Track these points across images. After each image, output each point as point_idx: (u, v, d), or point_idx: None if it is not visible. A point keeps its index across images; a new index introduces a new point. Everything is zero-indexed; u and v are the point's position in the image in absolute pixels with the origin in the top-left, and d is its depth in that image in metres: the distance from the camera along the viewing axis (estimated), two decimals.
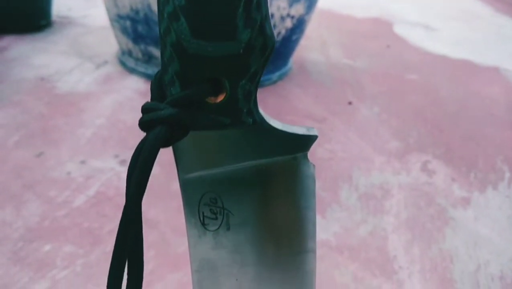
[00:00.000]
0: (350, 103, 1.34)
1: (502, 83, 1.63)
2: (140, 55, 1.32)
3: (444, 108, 1.36)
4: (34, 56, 1.44)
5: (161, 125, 0.20)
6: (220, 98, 0.22)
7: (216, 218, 0.25)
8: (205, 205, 0.25)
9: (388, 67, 1.65)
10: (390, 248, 0.82)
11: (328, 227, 0.85)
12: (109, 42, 1.57)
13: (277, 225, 0.26)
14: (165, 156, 1.05)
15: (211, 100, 0.22)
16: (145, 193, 0.81)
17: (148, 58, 1.30)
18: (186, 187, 0.25)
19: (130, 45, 1.32)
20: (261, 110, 0.23)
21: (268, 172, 0.24)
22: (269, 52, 0.21)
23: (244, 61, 0.20)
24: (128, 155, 0.99)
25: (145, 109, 0.21)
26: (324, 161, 1.04)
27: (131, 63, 1.36)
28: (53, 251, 0.75)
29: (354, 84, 1.48)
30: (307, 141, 0.24)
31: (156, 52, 1.28)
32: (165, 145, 0.21)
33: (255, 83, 0.21)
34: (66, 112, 1.14)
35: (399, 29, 2.11)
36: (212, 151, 0.24)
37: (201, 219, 0.26)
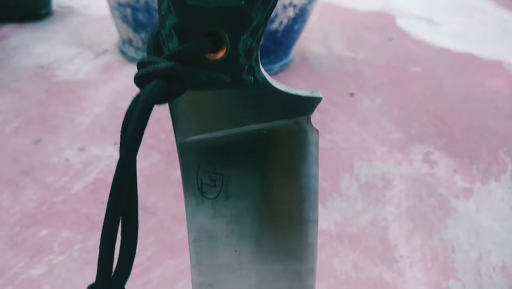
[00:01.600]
0: (352, 94, 1.32)
1: (505, 76, 1.61)
2: (140, 44, 1.30)
3: (447, 100, 1.35)
4: (34, 44, 1.43)
5: (157, 79, 0.19)
6: (220, 54, 0.20)
7: (215, 186, 0.24)
8: (204, 171, 0.24)
9: (391, 59, 1.64)
10: (391, 237, 0.81)
11: (329, 216, 0.84)
12: (109, 32, 1.55)
13: (278, 194, 0.25)
14: (165, 144, 1.04)
15: (211, 56, 0.21)
16: (144, 181, 0.81)
17: None
18: (184, 152, 0.24)
19: (131, 33, 1.31)
20: (263, 70, 0.22)
21: (269, 137, 0.23)
22: (272, 5, 0.20)
23: (246, 13, 0.19)
24: None
25: (140, 63, 0.20)
26: (325, 151, 1.03)
27: (131, 52, 1.34)
28: (50, 236, 0.74)
29: (356, 76, 1.46)
30: (310, 103, 0.23)
31: None
32: (161, 101, 0.20)
33: (257, 38, 0.20)
34: (65, 100, 1.13)
35: (401, 23, 2.09)
36: (211, 114, 0.23)
37: (199, 186, 0.25)
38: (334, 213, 0.85)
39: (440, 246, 0.80)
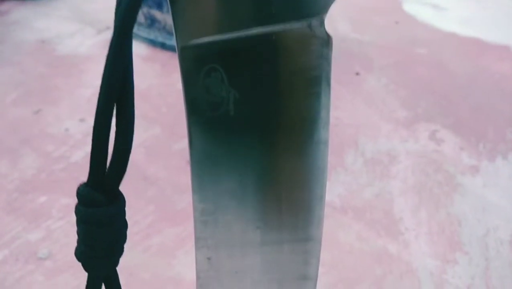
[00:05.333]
0: (357, 74, 1.30)
1: None
2: (142, 19, 1.28)
3: (453, 81, 1.33)
4: (35, 20, 1.41)
5: None
6: None
7: (219, 99, 0.22)
8: (207, 82, 0.22)
9: (397, 42, 1.61)
10: (396, 210, 0.79)
11: (333, 188, 0.82)
12: (111, 8, 1.53)
13: (285, 110, 0.23)
14: (166, 118, 1.02)
15: None
16: (145, 152, 0.79)
17: (150, 22, 1.27)
18: (185, 58, 0.22)
19: None
20: None
21: (278, 43, 0.21)
22: None
23: None
24: None
25: None
26: None
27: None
28: (49, 202, 0.72)
29: (362, 57, 1.44)
30: (323, 1, 0.21)
31: (159, 15, 1.24)
32: None
33: None
34: (66, 73, 1.11)
35: (408, 7, 2.06)
36: (216, 14, 0.21)
37: (202, 100, 0.23)
38: (338, 186, 0.83)
39: (446, 220, 0.78)
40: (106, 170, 0.19)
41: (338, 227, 0.74)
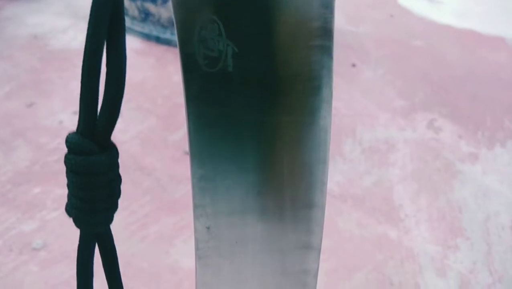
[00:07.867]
0: (353, 65, 1.30)
1: (509, 51, 1.59)
2: (136, 13, 1.27)
3: (450, 72, 1.32)
4: (27, 16, 1.39)
5: None
6: None
7: (217, 54, 0.21)
8: (203, 37, 0.21)
9: (393, 34, 1.61)
10: (396, 197, 0.78)
11: (331, 177, 0.81)
12: None
13: (287, 65, 0.22)
14: (162, 109, 1.00)
15: None
16: (141, 143, 0.77)
17: (144, 16, 1.25)
18: (180, 8, 0.21)
19: (126, 2, 1.27)
20: None
21: None
22: None
23: None
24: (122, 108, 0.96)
25: None
26: None
27: (127, 22, 1.31)
28: (43, 193, 0.71)
29: (358, 48, 1.43)
30: None
31: (153, 9, 1.23)
32: None
33: None
34: (59, 67, 1.10)
35: (403, 1, 2.06)
36: None
37: (199, 55, 0.22)
38: (336, 175, 0.82)
39: (446, 206, 0.78)
40: (97, 117, 0.17)
41: (337, 215, 0.73)
